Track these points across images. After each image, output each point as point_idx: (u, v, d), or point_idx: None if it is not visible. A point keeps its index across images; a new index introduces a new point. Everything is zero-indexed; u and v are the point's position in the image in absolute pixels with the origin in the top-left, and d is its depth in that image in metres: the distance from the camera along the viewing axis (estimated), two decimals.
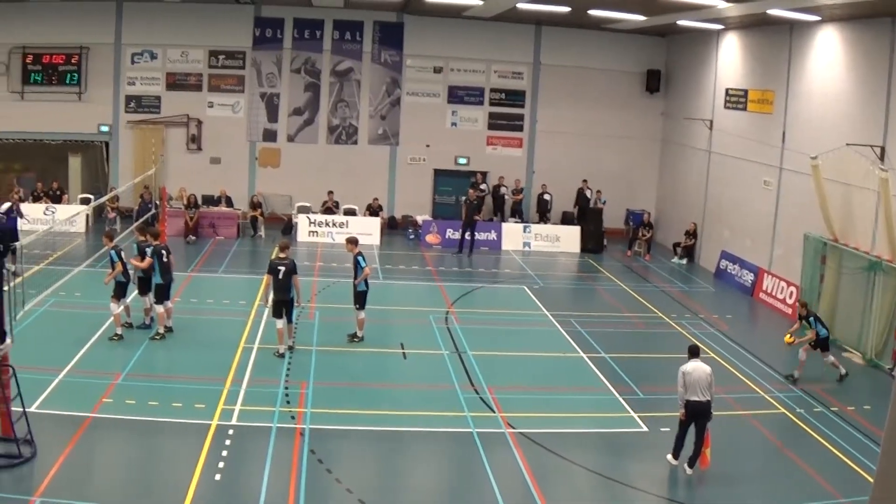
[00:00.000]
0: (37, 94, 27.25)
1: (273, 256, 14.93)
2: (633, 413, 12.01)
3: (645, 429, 11.42)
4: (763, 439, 11.46)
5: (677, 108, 25.49)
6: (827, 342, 13.72)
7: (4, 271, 9.85)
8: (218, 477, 9.36)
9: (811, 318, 13.62)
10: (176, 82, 27.01)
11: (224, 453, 10.01)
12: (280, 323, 13.62)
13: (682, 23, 21.27)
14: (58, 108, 27.13)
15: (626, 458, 10.64)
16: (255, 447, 10.29)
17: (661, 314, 17.85)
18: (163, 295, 14.51)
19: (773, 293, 19.25)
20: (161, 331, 14.50)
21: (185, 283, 18.44)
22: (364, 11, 25.75)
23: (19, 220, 20.86)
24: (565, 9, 20.68)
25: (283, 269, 13.52)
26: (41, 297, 14.49)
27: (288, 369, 13.15)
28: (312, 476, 9.49)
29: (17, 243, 14.88)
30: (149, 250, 14.43)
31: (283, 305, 13.60)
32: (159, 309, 14.45)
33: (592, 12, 20.90)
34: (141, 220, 19.83)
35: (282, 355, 13.68)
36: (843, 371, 13.79)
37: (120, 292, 14.28)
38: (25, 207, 24.54)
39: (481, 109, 26.48)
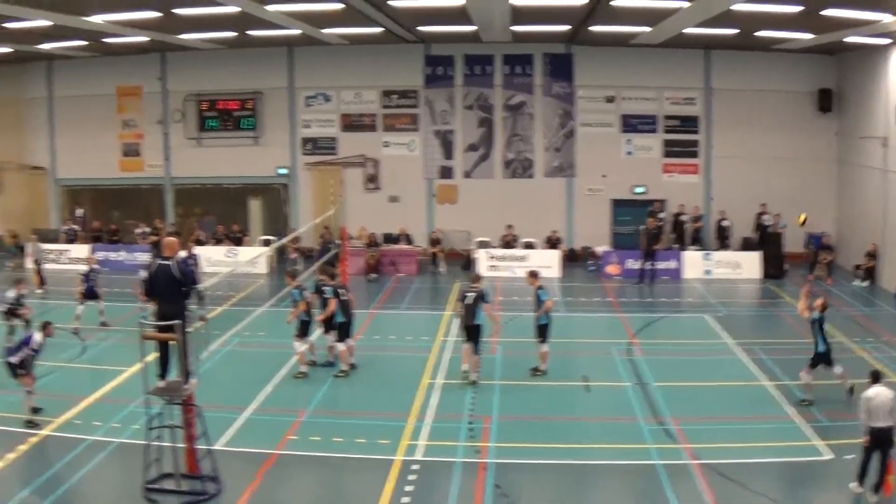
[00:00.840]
0: (213, 139, 37.74)
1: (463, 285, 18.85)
2: (817, 440, 14.30)
3: (829, 456, 13.54)
4: None
5: (851, 126, 30.27)
6: (826, 357, 16.51)
7: (187, 313, 12.67)
8: None
9: (821, 324, 16.43)
10: (351, 123, 35.39)
11: (408, 488, 12.54)
12: (466, 346, 17.76)
13: (851, 39, 25.50)
14: (235, 152, 37.48)
15: (810, 488, 12.81)
16: (439, 482, 12.81)
17: (844, 338, 20.84)
18: (344, 333, 18.56)
19: None
20: (345, 368, 18.42)
21: (367, 321, 23.62)
22: (532, 44, 32.29)
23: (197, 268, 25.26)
24: (733, 31, 25.25)
25: (471, 294, 17.51)
26: (225, 338, 17.57)
27: (472, 404, 16.56)
28: None
29: (198, 286, 20.90)
30: (327, 289, 18.47)
31: (469, 331, 17.63)
32: (341, 347, 18.50)
33: (760, 33, 25.51)
34: (322, 260, 24.60)
35: (465, 373, 17.87)
36: (849, 385, 16.60)
37: (303, 331, 18.42)
38: (207, 250, 33.70)
39: (655, 137, 33.03)
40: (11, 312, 21.50)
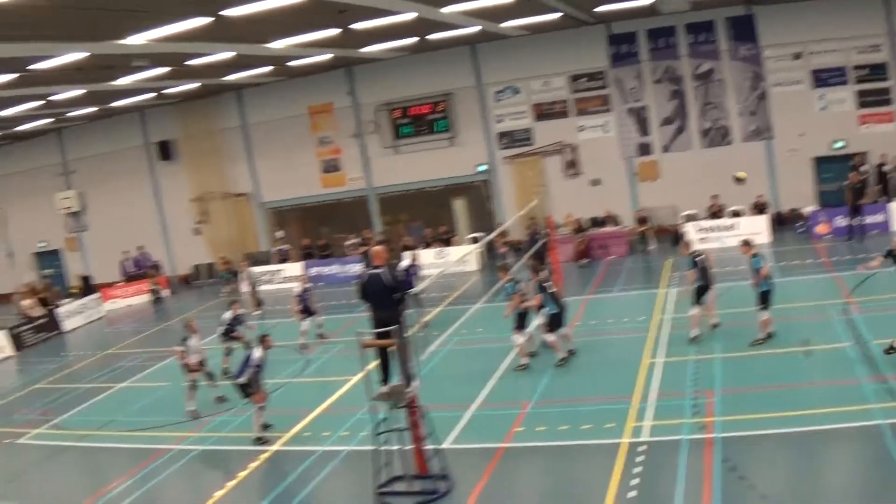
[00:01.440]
0: (410, 145, 46.25)
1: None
2: None
3: None
4: None
5: None
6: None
7: (402, 319, 15.40)
8: (633, 494, 13.88)
9: None
10: (543, 112, 41.63)
11: (637, 470, 14.71)
12: (695, 310, 20.92)
13: None
14: (432, 155, 44.21)
15: None
16: (666, 461, 14.89)
17: None
18: (557, 323, 21.71)
19: None
20: (563, 355, 21.53)
21: (582, 307, 27.25)
22: (712, 10, 36.16)
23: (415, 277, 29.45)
24: None
25: (702, 257, 21.43)
26: (444, 337, 19.96)
27: (694, 380, 18.83)
28: (726, 485, 13.64)
29: (412, 291, 21.73)
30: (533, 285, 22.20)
31: (704, 291, 21.56)
32: (550, 338, 21.58)
33: None
34: (530, 252, 28.80)
35: (694, 339, 20.91)
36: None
37: (521, 323, 21.62)
38: (423, 255, 39.96)
39: (847, 89, 36.93)
40: (228, 333, 26.13)
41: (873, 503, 13.29)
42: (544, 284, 23.26)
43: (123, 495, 18.21)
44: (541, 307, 23.08)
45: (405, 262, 31.33)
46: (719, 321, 24.12)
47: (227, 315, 27.25)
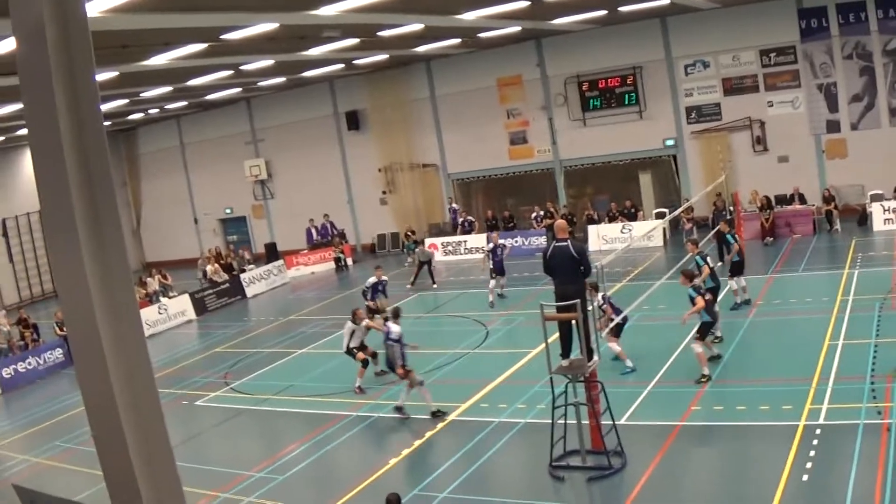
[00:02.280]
0: (597, 118, 49.66)
1: None
2: None
3: None
4: None
5: None
6: None
7: (588, 295, 17.00)
8: (805, 477, 15.36)
9: None
10: (732, 87, 45.00)
11: (811, 453, 16.21)
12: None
13: None
14: (620, 129, 48.03)
15: None
16: (841, 446, 16.36)
17: None
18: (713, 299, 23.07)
19: None
20: (719, 335, 24.36)
21: (766, 285, 30.08)
22: None
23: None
24: None
25: (709, 258, 22.93)
26: (627, 313, 22.44)
27: (873, 364, 20.45)
28: None
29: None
30: (698, 258, 25.41)
31: (715, 292, 22.62)
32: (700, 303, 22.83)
33: None
34: (721, 223, 31.72)
35: (705, 377, 22.03)
36: None
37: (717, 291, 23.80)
38: (602, 228, 48.27)
39: None
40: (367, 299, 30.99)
41: None
42: (706, 258, 26.39)
43: (299, 459, 20.62)
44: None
45: (490, 245, 35.94)
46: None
47: (371, 280, 31.03)
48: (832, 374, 21.48)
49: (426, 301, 37.18)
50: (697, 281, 24.34)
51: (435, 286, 40.69)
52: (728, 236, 30.84)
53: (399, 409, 22.78)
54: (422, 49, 43.84)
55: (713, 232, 34.25)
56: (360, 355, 26.08)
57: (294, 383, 27.12)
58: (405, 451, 20.42)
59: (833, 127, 45.96)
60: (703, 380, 22.26)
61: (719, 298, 26.27)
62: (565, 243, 18.15)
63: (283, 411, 24.54)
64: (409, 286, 40.63)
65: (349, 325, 25.00)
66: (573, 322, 17.59)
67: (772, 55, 46.91)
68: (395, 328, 22.77)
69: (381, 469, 19.52)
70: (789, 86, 46.91)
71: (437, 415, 22.49)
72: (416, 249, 44.25)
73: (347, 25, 31.13)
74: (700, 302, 23.28)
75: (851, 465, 16.31)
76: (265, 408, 25.46)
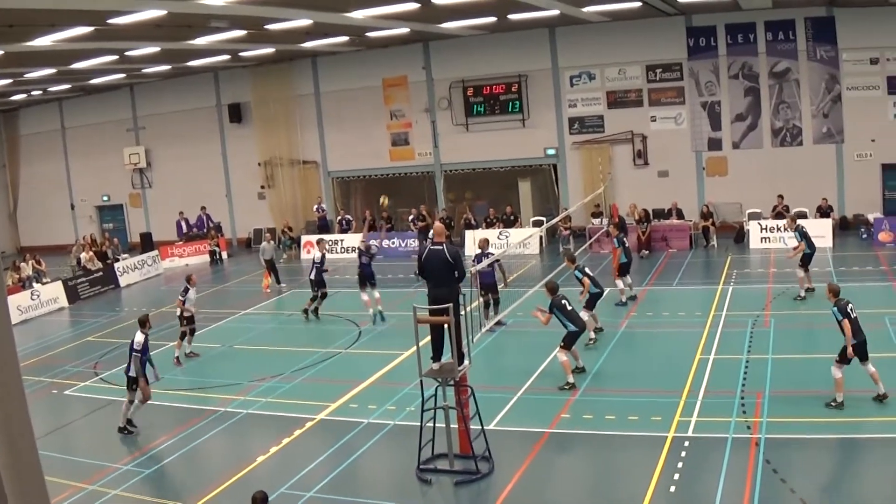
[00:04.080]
0: (481, 124, 48.52)
1: None
2: None
3: None
4: None
5: None
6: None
7: (462, 297, 15.95)
8: (673, 489, 14.53)
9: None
10: (616, 100, 43.06)
11: (679, 465, 15.40)
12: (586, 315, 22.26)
13: None
14: (502, 135, 45.37)
15: None
16: (710, 458, 15.62)
17: None
18: (592, 305, 24.32)
19: None
20: (593, 336, 23.94)
21: (640, 298, 28.70)
22: (793, 9, 37.18)
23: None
24: None
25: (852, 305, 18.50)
26: (499, 319, 21.84)
27: (744, 379, 19.68)
28: (767, 486, 14.21)
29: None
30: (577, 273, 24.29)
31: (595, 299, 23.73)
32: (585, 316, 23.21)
33: None
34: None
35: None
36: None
37: (591, 304, 24.04)
38: (479, 234, 50.41)
39: None
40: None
41: None
42: (585, 271, 26.05)
43: (167, 453, 19.28)
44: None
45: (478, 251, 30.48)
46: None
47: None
48: (702, 388, 20.67)
49: (301, 299, 34.33)
50: (581, 298, 25.49)
51: (282, 286, 38.86)
52: (616, 240, 30.79)
53: (128, 424, 21.47)
54: (309, 45, 41.93)
55: (600, 232, 33.07)
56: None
57: (164, 376, 24.39)
58: (273, 449, 19.00)
59: (715, 145, 44.74)
60: (566, 387, 21.33)
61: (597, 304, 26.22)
62: (441, 247, 17.16)
63: (152, 404, 22.12)
64: (282, 285, 38.63)
65: (138, 337, 22.22)
66: (445, 326, 16.40)
67: (658, 71, 45.28)
68: (138, 337, 20.84)
69: (250, 466, 18.12)
70: (673, 102, 45.29)
71: (124, 431, 21.18)
72: (262, 247, 39.54)
73: (236, 16, 29.47)
74: (586, 282, 24.85)
75: (719, 478, 15.68)
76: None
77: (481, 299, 26.85)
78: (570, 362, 21.56)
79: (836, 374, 18.86)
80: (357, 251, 32.29)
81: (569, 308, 21.76)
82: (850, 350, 18.35)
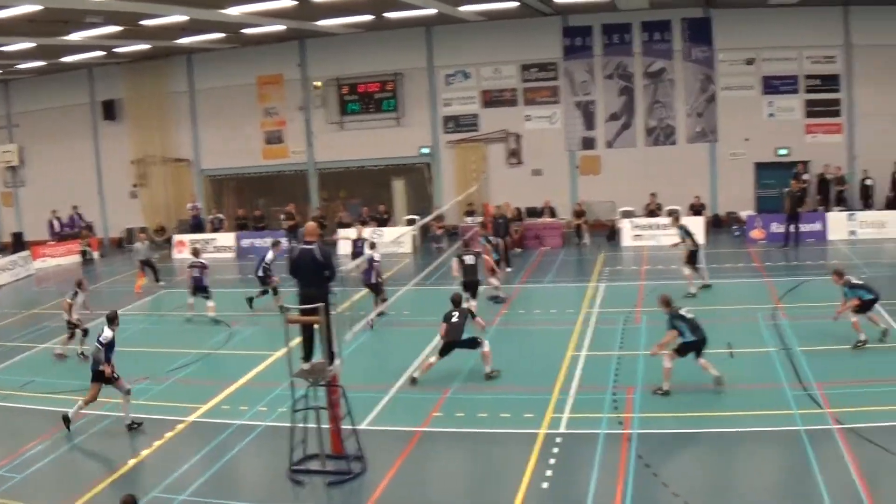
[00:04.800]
0: (355, 122, 45.31)
1: None
2: None
3: None
4: None
5: None
6: (872, 304, 19.86)
7: (331, 296, 14.85)
8: (545, 485, 13.68)
9: (847, 290, 19.88)
10: (491, 99, 41.28)
11: (552, 461, 14.51)
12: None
13: None
14: (377, 134, 44.72)
15: None
16: (582, 454, 14.77)
17: None
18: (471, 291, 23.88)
19: None
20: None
21: (513, 295, 27.47)
22: (670, 10, 36.66)
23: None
24: None
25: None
26: (371, 318, 19.77)
27: (616, 375, 18.84)
28: (639, 481, 13.54)
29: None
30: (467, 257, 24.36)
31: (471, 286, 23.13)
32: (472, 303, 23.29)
33: None
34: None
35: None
36: (883, 327, 19.84)
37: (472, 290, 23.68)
38: (352, 233, 44.43)
39: (797, 98, 37.21)
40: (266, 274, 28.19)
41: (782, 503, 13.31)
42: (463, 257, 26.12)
43: (38, 457, 17.57)
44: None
45: (368, 253, 28.55)
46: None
47: (269, 255, 27.76)
48: (574, 384, 19.39)
49: (173, 299, 32.16)
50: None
51: (161, 283, 35.44)
52: (482, 239, 29.57)
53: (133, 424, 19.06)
54: (184, 41, 39.08)
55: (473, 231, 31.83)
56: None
57: (36, 379, 22.74)
58: (145, 452, 17.09)
59: (588, 144, 42.59)
60: (412, 380, 20.40)
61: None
62: (312, 246, 15.74)
63: (23, 408, 20.62)
64: (161, 283, 35.23)
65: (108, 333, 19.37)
66: (315, 326, 15.32)
67: (533, 70, 42.85)
68: (107, 333, 18.72)
69: (121, 469, 16.36)
70: (548, 101, 43.09)
71: (133, 427, 18.73)
72: (135, 247, 36.70)
73: (111, 12, 28.19)
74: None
75: (592, 474, 14.72)
76: (6, 403, 21.22)
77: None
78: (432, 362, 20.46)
79: (667, 364, 18.76)
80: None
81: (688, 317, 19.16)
82: (659, 344, 19.22)
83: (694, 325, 18.39)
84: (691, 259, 26.98)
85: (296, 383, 15.56)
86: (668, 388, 18.27)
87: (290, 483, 15.39)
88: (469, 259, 24.24)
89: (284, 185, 45.35)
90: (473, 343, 20.00)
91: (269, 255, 28.03)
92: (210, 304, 27.69)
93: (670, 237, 30.27)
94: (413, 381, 19.90)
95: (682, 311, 18.62)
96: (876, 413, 16.14)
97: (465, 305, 20.74)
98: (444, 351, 19.77)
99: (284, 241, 37.46)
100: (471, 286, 24.28)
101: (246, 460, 17.04)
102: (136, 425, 18.62)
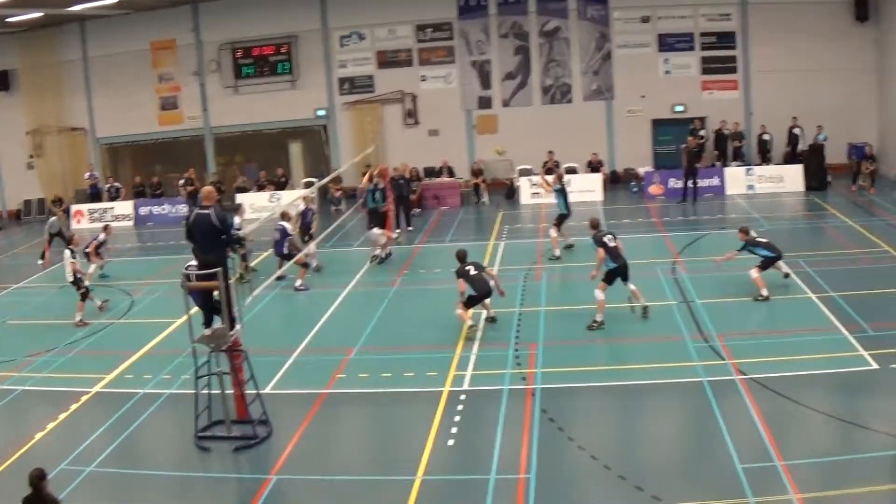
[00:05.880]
0: (250, 86, 40.42)
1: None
2: (863, 351, 14.81)
3: (875, 366, 14.09)
4: None
5: (889, 34, 31.84)
6: (773, 262, 19.02)
7: (230, 260, 13.56)
8: (451, 442, 12.73)
9: (749, 247, 19.07)
10: (387, 60, 37.87)
11: (457, 419, 13.45)
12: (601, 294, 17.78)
13: None
14: (272, 97, 40.09)
15: (858, 398, 13.26)
16: (487, 411, 13.72)
17: (888, 248, 21.87)
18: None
19: None
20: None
21: (412, 256, 25.60)
22: None
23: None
24: None
25: (611, 235, 18.38)
26: (270, 282, 17.97)
27: (517, 332, 17.55)
28: (544, 436, 12.54)
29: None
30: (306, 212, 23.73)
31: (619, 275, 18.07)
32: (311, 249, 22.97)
33: None
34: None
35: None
36: (786, 270, 19.54)
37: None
38: (250, 197, 36.75)
39: (693, 55, 34.79)
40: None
41: (690, 455, 12.54)
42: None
43: None
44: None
45: (300, 205, 26.79)
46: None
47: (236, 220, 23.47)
48: (476, 342, 17.69)
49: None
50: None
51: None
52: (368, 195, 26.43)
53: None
54: (77, 8, 34.81)
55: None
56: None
57: None
58: (50, 425, 15.45)
59: (485, 103, 38.53)
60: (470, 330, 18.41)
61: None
62: (208, 211, 13.99)
63: None
64: (39, 262, 29.64)
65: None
66: (215, 291, 13.72)
67: (428, 31, 38.26)
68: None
69: (27, 444, 14.63)
70: (443, 61, 38.47)
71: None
72: (49, 221, 32.16)
73: None
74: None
75: (497, 430, 13.46)
76: None
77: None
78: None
79: (599, 296, 17.86)
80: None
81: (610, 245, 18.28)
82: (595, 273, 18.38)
83: (615, 253, 17.84)
84: (560, 221, 24.82)
85: (198, 349, 14.06)
86: (601, 319, 17.67)
87: (196, 450, 13.79)
88: (473, 271, 19.05)
89: (181, 151, 40.61)
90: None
91: (237, 220, 23.08)
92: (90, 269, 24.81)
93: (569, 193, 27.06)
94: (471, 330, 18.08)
95: (605, 239, 17.92)
96: (777, 363, 15.09)
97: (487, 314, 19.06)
98: (471, 303, 17.84)
99: (185, 208, 34.92)
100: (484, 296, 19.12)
101: (152, 429, 15.32)
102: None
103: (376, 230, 25.26)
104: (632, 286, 17.76)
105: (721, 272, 20.61)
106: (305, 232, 26.98)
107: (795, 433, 12.57)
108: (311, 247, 26.04)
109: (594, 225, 18.56)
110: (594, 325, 17.63)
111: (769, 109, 34.55)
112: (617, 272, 17.67)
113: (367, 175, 27.62)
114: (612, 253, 17.72)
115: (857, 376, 14.46)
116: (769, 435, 12.31)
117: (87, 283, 21.73)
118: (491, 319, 18.38)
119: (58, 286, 26.25)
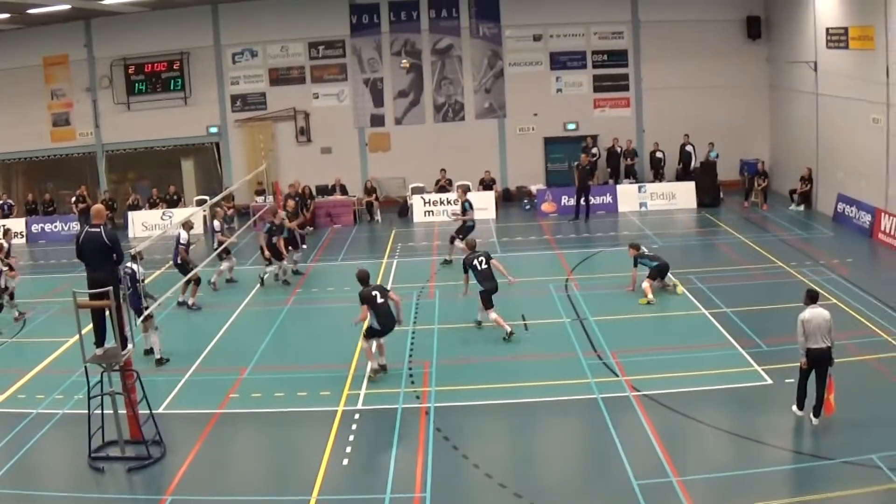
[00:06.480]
0: (142, 103, 37.34)
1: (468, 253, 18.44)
2: (757, 367, 14.54)
3: (769, 381, 13.85)
4: (890, 384, 13.51)
5: (781, 52, 30.70)
6: (664, 271, 19.54)
7: (124, 276, 13.23)
8: (346, 462, 12.16)
9: (640, 261, 19.39)
10: (279, 77, 35.35)
11: (351, 438, 12.88)
12: (493, 314, 17.25)
13: None
14: (165, 114, 37.02)
15: (752, 413, 12.86)
16: (381, 429, 13.17)
17: (781, 263, 21.41)
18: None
19: (893, 233, 23.02)
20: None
21: (305, 274, 24.23)
22: None
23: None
24: None
25: (482, 258, 17.51)
26: (162, 300, 17.32)
27: (411, 350, 16.87)
28: (439, 454, 12.08)
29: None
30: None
31: (492, 293, 17.44)
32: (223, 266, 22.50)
33: None
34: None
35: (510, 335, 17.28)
36: (675, 282, 19.62)
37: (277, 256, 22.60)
38: (142, 214, 34.46)
39: (585, 73, 33.33)
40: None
41: (585, 471, 12.08)
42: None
43: None
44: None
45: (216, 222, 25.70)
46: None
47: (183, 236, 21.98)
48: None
49: None
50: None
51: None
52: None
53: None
54: None
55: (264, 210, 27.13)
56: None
57: None
58: None
59: (377, 121, 35.92)
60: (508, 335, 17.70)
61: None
62: (98, 229, 13.09)
63: None
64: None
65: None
66: (106, 310, 13.03)
67: (321, 48, 35.63)
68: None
69: None
70: (336, 79, 35.79)
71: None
72: None
73: None
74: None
75: (391, 449, 12.75)
76: None
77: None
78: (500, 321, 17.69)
79: (492, 316, 17.34)
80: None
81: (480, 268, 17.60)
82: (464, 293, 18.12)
83: (485, 275, 17.33)
84: (464, 233, 23.67)
85: (90, 369, 13.02)
86: (509, 329, 17.33)
87: (91, 470, 12.72)
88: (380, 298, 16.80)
89: (73, 167, 37.62)
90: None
91: (184, 236, 21.89)
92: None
93: (459, 211, 25.90)
94: (509, 335, 17.22)
95: (476, 262, 17.36)
96: (671, 379, 14.44)
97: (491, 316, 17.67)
98: (371, 336, 15.99)
99: (77, 225, 32.39)
100: (491, 292, 17.96)
101: (46, 449, 14.04)
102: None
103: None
104: (493, 315, 17.22)
105: (612, 290, 20.44)
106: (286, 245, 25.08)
107: (690, 449, 12.24)
108: (224, 264, 24.25)
109: (471, 246, 18.12)
110: (506, 337, 17.23)
111: (661, 127, 33.35)
112: (485, 295, 17.10)
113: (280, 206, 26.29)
114: (482, 276, 17.15)
115: (751, 391, 14.03)
116: (664, 451, 11.93)
117: None
118: (382, 368, 16.41)
119: None
